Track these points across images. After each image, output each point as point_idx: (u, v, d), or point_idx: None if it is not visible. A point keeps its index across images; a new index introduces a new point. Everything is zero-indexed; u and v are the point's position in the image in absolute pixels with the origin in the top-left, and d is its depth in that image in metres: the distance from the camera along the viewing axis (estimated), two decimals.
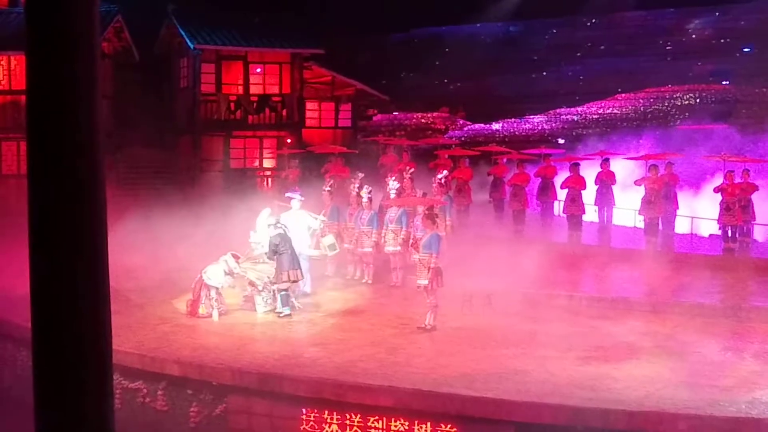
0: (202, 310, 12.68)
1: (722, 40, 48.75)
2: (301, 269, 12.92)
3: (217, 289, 12.69)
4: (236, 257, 13.00)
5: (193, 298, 12.79)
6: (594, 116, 40.57)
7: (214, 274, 12.72)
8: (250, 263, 13.30)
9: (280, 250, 12.68)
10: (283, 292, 12.68)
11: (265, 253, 12.92)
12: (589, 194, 19.76)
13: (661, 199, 18.12)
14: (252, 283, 13.18)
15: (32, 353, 2.56)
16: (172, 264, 15.86)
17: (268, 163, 29.91)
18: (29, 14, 2.48)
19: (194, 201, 14.19)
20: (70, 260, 2.50)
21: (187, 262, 15.04)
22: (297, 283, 13.09)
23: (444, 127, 41.28)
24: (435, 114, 42.46)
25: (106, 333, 2.61)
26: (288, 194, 15.02)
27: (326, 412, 9.80)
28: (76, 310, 2.51)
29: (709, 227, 19.29)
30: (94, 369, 2.54)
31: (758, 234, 18.58)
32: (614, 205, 20.21)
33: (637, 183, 18.70)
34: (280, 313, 12.74)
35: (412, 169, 16.84)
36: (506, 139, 37.03)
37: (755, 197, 17.74)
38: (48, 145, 2.49)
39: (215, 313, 12.66)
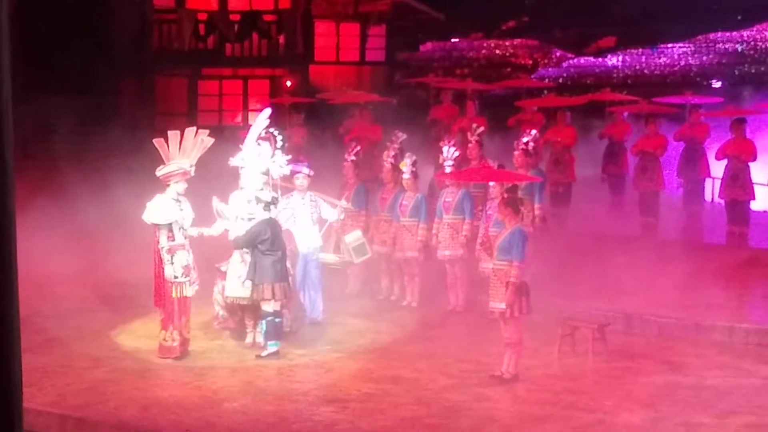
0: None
1: None
2: (289, 283, 12.82)
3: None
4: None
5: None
6: None
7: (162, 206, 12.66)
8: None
9: (263, 246, 12.65)
10: (269, 318, 12.64)
11: (233, 239, 12.85)
12: (762, 168, 19.58)
13: None
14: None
15: None
16: (108, 274, 15.96)
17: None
18: None
19: (142, 176, 14.25)
20: None
21: (132, 271, 15.10)
22: (289, 309, 13.12)
23: (531, 61, 41.12)
24: (517, 41, 42.29)
25: (14, 382, 2.63)
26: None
27: None
28: None
29: None
30: None
31: None
32: None
33: None
34: (263, 351, 12.75)
35: (482, 128, 16.83)
36: (629, 81, 36.76)
37: None
38: None
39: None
